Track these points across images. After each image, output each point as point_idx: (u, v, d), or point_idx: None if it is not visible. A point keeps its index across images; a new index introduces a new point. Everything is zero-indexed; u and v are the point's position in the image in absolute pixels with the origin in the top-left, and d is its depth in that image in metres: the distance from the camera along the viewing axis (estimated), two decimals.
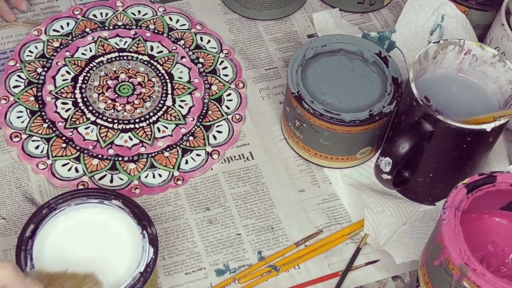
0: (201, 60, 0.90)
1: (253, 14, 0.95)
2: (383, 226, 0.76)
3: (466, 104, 0.76)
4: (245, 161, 0.83)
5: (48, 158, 0.80)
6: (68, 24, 0.91)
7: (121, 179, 0.79)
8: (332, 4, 0.97)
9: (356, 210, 0.79)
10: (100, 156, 0.81)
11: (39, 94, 0.85)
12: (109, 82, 0.86)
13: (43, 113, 0.84)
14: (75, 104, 0.85)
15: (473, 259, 0.61)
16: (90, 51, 0.89)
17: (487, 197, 0.67)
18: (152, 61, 0.89)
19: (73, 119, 0.83)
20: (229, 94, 0.87)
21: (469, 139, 0.71)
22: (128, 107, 0.84)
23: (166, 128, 0.83)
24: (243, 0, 0.93)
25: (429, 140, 0.72)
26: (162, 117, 0.84)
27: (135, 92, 0.86)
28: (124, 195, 0.68)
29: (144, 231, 0.66)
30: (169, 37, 0.92)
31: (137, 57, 0.89)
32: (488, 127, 0.70)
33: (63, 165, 0.80)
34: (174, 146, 0.82)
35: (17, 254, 0.64)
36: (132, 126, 0.83)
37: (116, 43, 0.90)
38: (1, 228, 0.75)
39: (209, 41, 0.92)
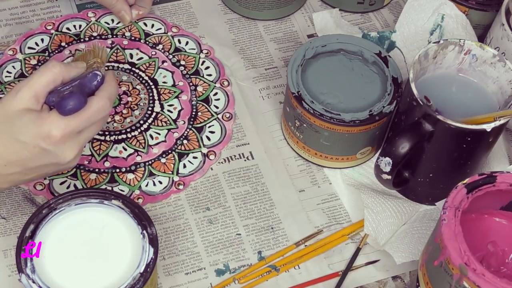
0: (182, 62, 0.89)
1: (253, 14, 0.95)
2: (383, 226, 0.76)
3: (466, 104, 0.76)
4: (245, 160, 0.83)
5: (45, 178, 0.78)
6: (42, 40, 0.89)
7: (122, 190, 0.78)
8: (332, 4, 0.97)
9: (356, 210, 0.79)
10: (97, 170, 0.79)
11: None
12: None
13: None
14: None
15: (473, 259, 0.61)
16: None
17: (487, 197, 0.67)
18: (133, 69, 0.88)
19: None
20: (215, 94, 0.87)
21: (469, 139, 0.71)
22: (117, 117, 0.83)
23: (159, 134, 0.83)
24: (243, 0, 0.93)
25: (429, 140, 0.72)
26: (153, 123, 0.83)
27: (121, 102, 0.85)
28: (124, 195, 0.68)
29: (144, 231, 0.66)
30: (147, 42, 0.91)
31: (118, 66, 0.88)
32: (488, 127, 0.70)
33: (61, 184, 0.78)
34: (170, 151, 0.82)
35: (17, 254, 0.64)
36: (124, 136, 0.82)
37: None
38: (1, 228, 0.75)
39: (187, 43, 0.91)
